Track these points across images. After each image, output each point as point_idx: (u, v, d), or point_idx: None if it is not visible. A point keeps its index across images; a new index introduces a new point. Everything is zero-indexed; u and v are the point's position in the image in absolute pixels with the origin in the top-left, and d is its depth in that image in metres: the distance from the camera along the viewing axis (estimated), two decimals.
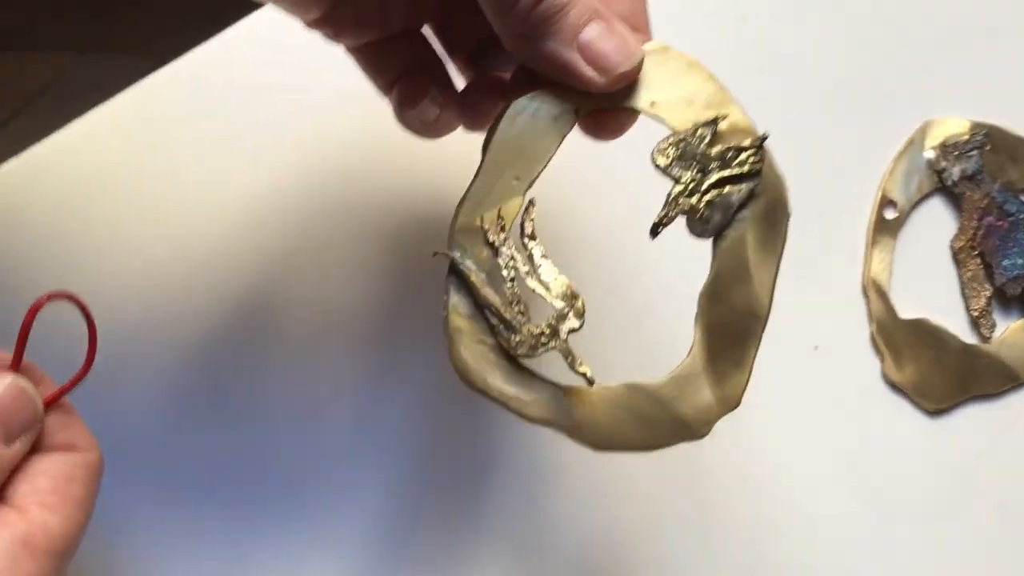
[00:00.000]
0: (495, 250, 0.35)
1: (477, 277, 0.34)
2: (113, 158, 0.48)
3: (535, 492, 0.46)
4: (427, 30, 0.42)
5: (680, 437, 0.35)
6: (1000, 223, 0.50)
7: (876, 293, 0.49)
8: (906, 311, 0.49)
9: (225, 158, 0.48)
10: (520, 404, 0.34)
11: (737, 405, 0.35)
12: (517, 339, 0.34)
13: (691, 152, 0.35)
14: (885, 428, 0.48)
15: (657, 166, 0.35)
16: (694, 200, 0.35)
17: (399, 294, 0.48)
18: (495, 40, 0.36)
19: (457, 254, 0.34)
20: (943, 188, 0.50)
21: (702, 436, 0.35)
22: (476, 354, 0.34)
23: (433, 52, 0.42)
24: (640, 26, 0.36)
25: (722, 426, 0.45)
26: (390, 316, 0.47)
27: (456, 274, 0.35)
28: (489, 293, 0.34)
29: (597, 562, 0.46)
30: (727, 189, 0.35)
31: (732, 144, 0.35)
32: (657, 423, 0.35)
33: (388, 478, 0.46)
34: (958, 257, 0.50)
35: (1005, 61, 0.52)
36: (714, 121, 0.35)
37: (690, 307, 0.35)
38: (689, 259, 0.35)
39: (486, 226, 0.35)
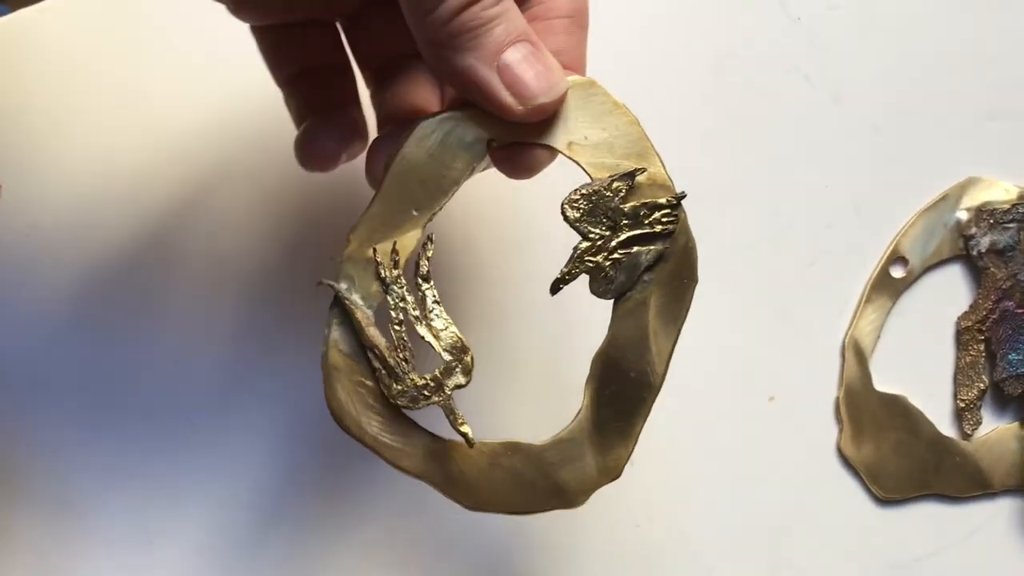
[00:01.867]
0: (386, 287, 0.33)
1: (363, 314, 0.32)
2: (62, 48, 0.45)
3: None
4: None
5: (557, 504, 0.33)
6: (1019, 311, 0.43)
7: (855, 355, 0.43)
8: (883, 383, 0.44)
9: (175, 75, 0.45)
10: (394, 455, 0.33)
11: (617, 476, 0.33)
12: (399, 388, 0.32)
13: (603, 207, 0.32)
14: (825, 505, 0.43)
15: (567, 219, 0.32)
16: (600, 258, 0.32)
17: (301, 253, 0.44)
18: (407, 54, 0.33)
19: (344, 286, 0.32)
20: (966, 256, 0.44)
21: (578, 505, 0.33)
22: (353, 396, 0.33)
23: (341, 53, 0.38)
24: (573, 65, 0.33)
25: (649, 461, 0.42)
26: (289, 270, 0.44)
27: (340, 307, 0.32)
28: (375, 334, 0.32)
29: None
30: (635, 249, 0.32)
31: (647, 200, 0.32)
32: (534, 487, 0.33)
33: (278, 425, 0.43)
34: (961, 338, 0.44)
35: None
36: (631, 174, 0.32)
37: (586, 367, 0.33)
38: (594, 316, 0.33)
39: (379, 259, 0.32)
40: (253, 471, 0.43)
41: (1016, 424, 0.44)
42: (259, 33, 0.38)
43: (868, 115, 0.45)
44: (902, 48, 0.45)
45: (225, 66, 0.44)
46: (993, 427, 0.44)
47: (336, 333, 0.32)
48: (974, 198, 0.44)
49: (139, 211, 0.43)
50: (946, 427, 0.44)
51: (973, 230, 0.44)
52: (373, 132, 0.39)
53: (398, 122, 0.36)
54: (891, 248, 0.44)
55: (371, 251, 0.32)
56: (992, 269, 0.44)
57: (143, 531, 0.43)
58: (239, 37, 0.37)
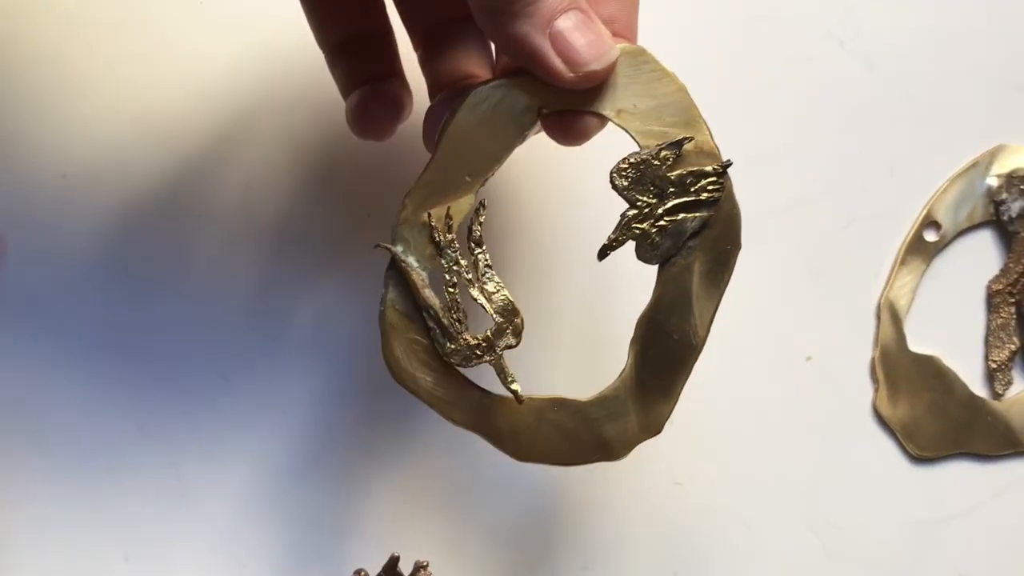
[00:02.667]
0: (440, 250, 0.34)
1: (418, 276, 0.34)
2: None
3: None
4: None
5: (600, 456, 0.35)
6: None
7: (890, 316, 0.44)
8: (917, 344, 0.44)
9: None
10: (446, 408, 0.34)
11: (659, 432, 0.35)
12: (452, 347, 0.34)
13: (651, 175, 0.33)
14: (861, 464, 0.44)
15: (615, 187, 0.33)
16: (646, 225, 0.34)
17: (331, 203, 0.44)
18: (457, 19, 0.34)
19: (399, 249, 0.34)
20: (997, 222, 0.45)
21: (621, 458, 0.35)
22: (408, 352, 0.34)
23: (385, 18, 0.39)
24: (625, 33, 0.34)
25: (688, 421, 0.42)
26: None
27: (396, 269, 0.34)
28: (429, 295, 0.34)
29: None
30: (681, 216, 0.34)
31: (693, 168, 0.33)
32: (579, 440, 0.35)
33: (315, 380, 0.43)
34: (992, 300, 0.45)
35: None
36: (679, 143, 0.33)
37: (631, 329, 0.34)
38: (639, 280, 0.35)
39: (433, 223, 0.34)
40: (288, 424, 0.43)
41: None
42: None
43: (901, 83, 0.46)
44: (934, 18, 0.46)
45: (263, 17, 0.44)
46: (1023, 387, 0.45)
47: (392, 294, 0.34)
48: (1004, 165, 0.45)
49: (173, 160, 0.43)
50: (978, 387, 0.45)
51: (1004, 196, 0.45)
52: (421, 97, 0.39)
53: (450, 88, 0.37)
54: (924, 212, 0.45)
55: (426, 216, 0.34)
56: (1022, 234, 0.45)
57: (177, 484, 0.43)
58: None
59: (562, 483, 0.43)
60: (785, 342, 0.44)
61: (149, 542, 0.42)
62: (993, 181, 0.45)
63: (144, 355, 0.43)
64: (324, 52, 0.39)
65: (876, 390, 0.44)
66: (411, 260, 0.34)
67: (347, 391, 0.43)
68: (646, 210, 0.33)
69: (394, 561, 0.40)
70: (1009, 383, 0.45)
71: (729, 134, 0.43)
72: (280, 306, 0.43)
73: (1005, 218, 0.45)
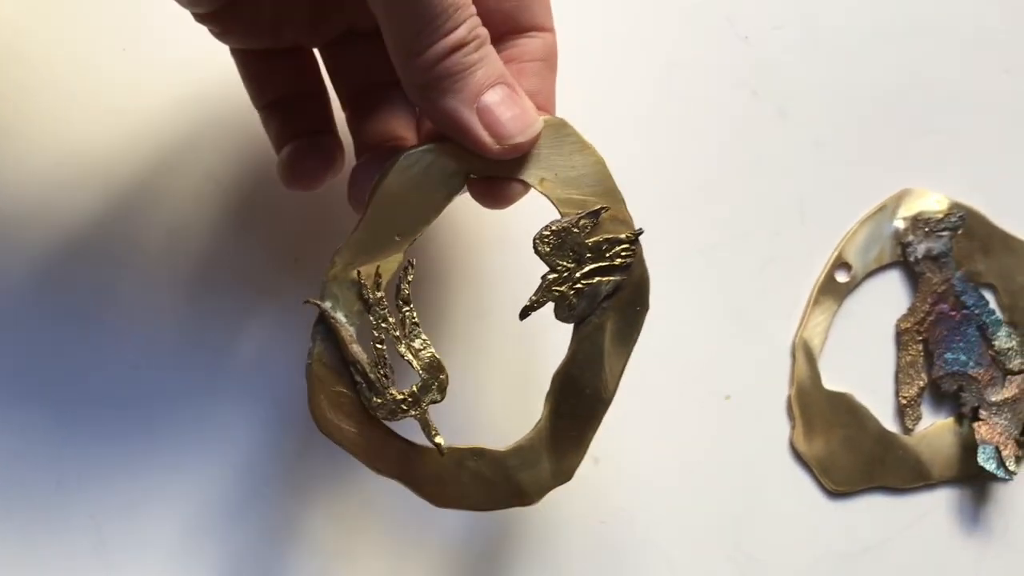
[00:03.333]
0: (368, 307, 0.35)
1: (346, 331, 0.35)
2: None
3: None
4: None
5: (515, 502, 0.37)
6: (953, 313, 0.46)
7: (804, 355, 0.46)
8: (831, 381, 0.46)
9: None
10: (370, 458, 0.36)
11: (569, 479, 0.37)
12: (378, 401, 0.35)
13: (571, 242, 0.35)
14: (779, 499, 0.45)
15: (538, 252, 0.35)
16: (565, 288, 0.36)
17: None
18: (385, 83, 0.35)
19: (328, 305, 0.35)
20: (904, 263, 0.47)
21: (534, 503, 0.37)
22: (334, 405, 0.35)
23: (319, 79, 0.40)
24: (546, 105, 0.36)
25: (611, 460, 0.43)
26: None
27: (325, 324, 0.35)
28: (357, 351, 0.35)
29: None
30: (596, 280, 0.36)
31: (608, 235, 0.35)
32: (496, 487, 0.36)
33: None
34: (901, 339, 0.47)
35: (1001, 145, 0.48)
36: (596, 212, 0.35)
37: (548, 383, 0.36)
38: (557, 337, 0.36)
39: (363, 280, 0.35)
40: (215, 471, 0.43)
41: (951, 419, 0.47)
42: (240, 57, 0.39)
43: (811, 129, 0.48)
44: (842, 68, 0.48)
45: (190, 63, 0.44)
46: (932, 422, 0.47)
47: (320, 347, 0.35)
48: (910, 208, 0.47)
49: (97, 203, 0.44)
50: (889, 422, 0.46)
51: (910, 238, 0.47)
52: (348, 155, 0.40)
53: (376, 149, 0.38)
54: (836, 254, 0.47)
55: (355, 273, 0.35)
56: (928, 274, 0.47)
57: (97, 538, 0.42)
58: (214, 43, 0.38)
59: (485, 523, 0.44)
60: (705, 381, 0.45)
61: None
62: (900, 224, 0.47)
63: (66, 402, 0.42)
64: (258, 110, 0.40)
65: (793, 427, 0.45)
66: (339, 316, 0.35)
67: (275, 435, 0.43)
68: (565, 274, 0.35)
69: None
70: (918, 418, 0.46)
71: (649, 179, 0.46)
72: (208, 350, 0.43)
73: (912, 259, 0.47)
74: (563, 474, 0.37)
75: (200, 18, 0.36)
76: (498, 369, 0.45)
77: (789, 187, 0.47)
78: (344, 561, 0.43)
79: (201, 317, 0.43)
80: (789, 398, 0.46)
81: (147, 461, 0.43)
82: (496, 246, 0.45)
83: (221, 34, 0.37)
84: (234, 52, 0.39)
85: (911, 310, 0.47)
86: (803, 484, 0.46)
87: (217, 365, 0.43)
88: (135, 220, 0.44)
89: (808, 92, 0.48)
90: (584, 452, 0.37)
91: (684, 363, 0.45)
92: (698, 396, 0.45)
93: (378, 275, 0.35)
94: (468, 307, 0.45)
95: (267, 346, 0.44)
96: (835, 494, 0.45)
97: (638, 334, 0.36)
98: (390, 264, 0.35)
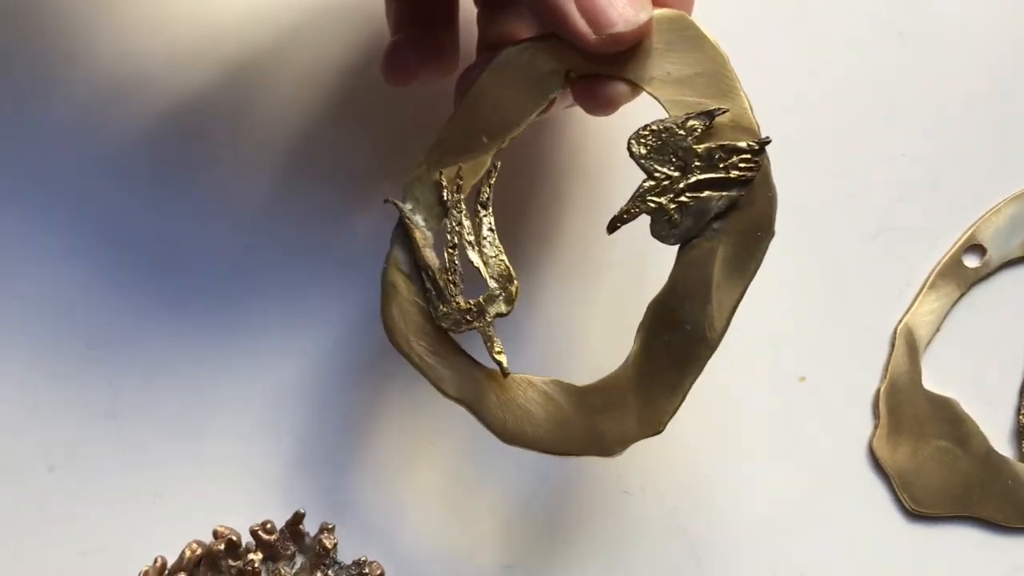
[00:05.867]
0: (445, 210, 0.33)
1: (422, 235, 0.33)
2: None
3: None
4: None
5: (592, 450, 0.33)
6: None
7: (906, 345, 0.38)
8: (934, 382, 0.38)
9: None
10: (437, 376, 0.33)
11: (659, 432, 0.32)
12: (444, 310, 0.33)
13: (673, 145, 0.31)
14: (844, 508, 0.38)
15: (631, 154, 0.31)
16: (664, 200, 0.31)
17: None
18: None
19: (408, 206, 0.33)
20: None
21: (614, 455, 0.33)
22: (406, 314, 0.33)
23: None
24: (680, 2, 0.32)
25: (663, 438, 0.38)
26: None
27: (403, 226, 0.33)
28: (429, 255, 0.33)
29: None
30: (706, 194, 0.31)
31: (725, 143, 0.31)
32: (572, 429, 0.33)
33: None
34: None
35: None
36: (710, 113, 0.31)
37: (641, 312, 0.32)
38: (657, 261, 0.32)
39: (444, 181, 0.33)
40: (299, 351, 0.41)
41: None
42: None
43: (968, 80, 0.40)
44: (1016, 7, 0.40)
45: None
46: None
47: (397, 252, 0.33)
48: None
49: (212, 75, 0.41)
50: (1001, 444, 0.38)
51: None
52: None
53: (494, 50, 0.36)
54: (969, 233, 0.39)
55: (438, 174, 0.33)
56: None
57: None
58: None
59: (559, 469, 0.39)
60: (779, 355, 0.39)
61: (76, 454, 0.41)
62: None
63: (157, 269, 0.41)
64: None
65: (876, 426, 0.38)
66: (418, 219, 0.33)
67: (358, 335, 0.40)
68: (665, 183, 0.31)
69: (299, 517, 0.38)
70: None
71: (766, 110, 0.39)
72: (302, 241, 0.41)
73: None
74: (652, 425, 0.32)
75: None
76: (584, 292, 0.40)
77: (927, 146, 0.40)
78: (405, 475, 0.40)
79: (298, 207, 0.41)
80: (878, 392, 0.38)
81: (222, 339, 0.41)
82: (596, 160, 0.40)
83: None
84: None
85: None
86: (878, 497, 0.38)
87: (311, 255, 0.41)
88: (240, 103, 0.41)
89: (969, 35, 0.40)
90: (679, 401, 0.32)
91: (759, 329, 0.38)
92: (768, 371, 0.39)
93: (459, 177, 0.33)
94: (555, 220, 0.40)
95: (365, 245, 0.40)
96: (915, 515, 0.38)
97: (757, 265, 0.31)
98: (476, 167, 0.33)
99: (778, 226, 0.39)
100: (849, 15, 0.41)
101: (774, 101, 0.39)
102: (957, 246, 0.39)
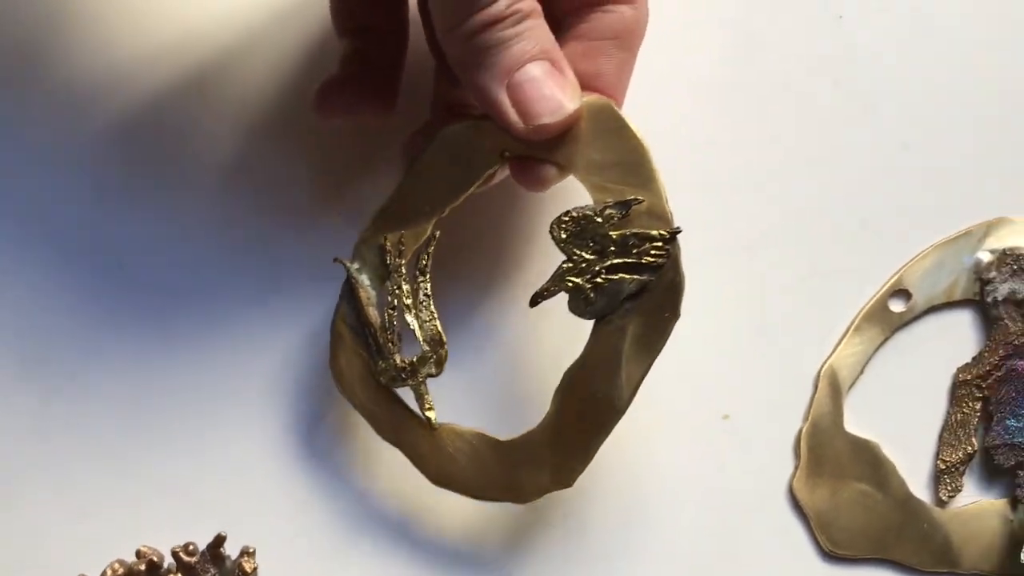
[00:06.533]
0: (388, 273, 0.36)
1: (366, 293, 0.36)
2: None
3: None
4: None
5: (509, 497, 0.36)
6: None
7: (829, 387, 0.38)
8: (856, 424, 0.38)
9: None
10: (377, 422, 0.37)
11: (569, 486, 0.35)
12: (383, 366, 0.36)
13: (591, 231, 0.33)
14: (761, 548, 0.38)
15: (553, 237, 0.34)
16: (581, 280, 0.34)
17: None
18: None
19: (356, 265, 0.36)
20: (979, 303, 0.39)
21: (527, 502, 0.36)
22: (351, 364, 0.36)
23: (405, 19, 0.38)
24: (611, 90, 0.34)
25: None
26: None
27: (350, 284, 0.36)
28: (372, 314, 0.36)
29: None
30: (619, 277, 0.33)
31: (638, 231, 0.33)
32: (493, 477, 0.35)
33: None
34: (957, 392, 0.38)
35: None
36: (626, 203, 0.33)
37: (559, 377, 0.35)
38: (576, 333, 0.34)
39: (388, 246, 0.36)
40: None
41: (1003, 501, 0.38)
42: None
43: (898, 130, 0.40)
44: (951, 61, 0.40)
45: None
46: (974, 499, 0.38)
47: (344, 306, 0.36)
48: (1001, 240, 0.39)
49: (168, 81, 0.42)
50: (919, 488, 0.38)
51: (993, 274, 0.38)
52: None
53: (445, 113, 0.38)
54: (895, 278, 0.39)
55: (383, 238, 0.35)
56: (1006, 321, 0.38)
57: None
58: None
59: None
60: (704, 395, 0.39)
61: None
62: (985, 256, 0.39)
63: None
64: (339, 36, 0.38)
65: (796, 467, 0.38)
66: (363, 278, 0.36)
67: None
68: (582, 265, 0.34)
69: (220, 540, 0.38)
70: (957, 490, 0.38)
71: (701, 161, 0.40)
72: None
73: (989, 300, 0.38)
74: (563, 480, 0.35)
75: None
76: (509, 355, 0.40)
77: (856, 191, 0.40)
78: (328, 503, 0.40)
79: (245, 221, 0.41)
80: (799, 433, 0.38)
81: (155, 357, 0.41)
82: (530, 230, 0.41)
83: None
84: None
85: (976, 360, 0.38)
86: (796, 537, 0.38)
87: (248, 276, 0.41)
88: (200, 109, 0.41)
89: (902, 87, 0.40)
90: (587, 461, 0.35)
91: (685, 369, 0.39)
92: (691, 410, 0.39)
93: (401, 243, 0.35)
94: (492, 289, 0.41)
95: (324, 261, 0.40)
96: (832, 556, 0.38)
97: (663, 343, 0.33)
98: (417, 234, 0.35)
99: (715, 263, 0.40)
100: (786, 61, 0.41)
101: (705, 139, 0.41)
102: (883, 290, 0.39)
